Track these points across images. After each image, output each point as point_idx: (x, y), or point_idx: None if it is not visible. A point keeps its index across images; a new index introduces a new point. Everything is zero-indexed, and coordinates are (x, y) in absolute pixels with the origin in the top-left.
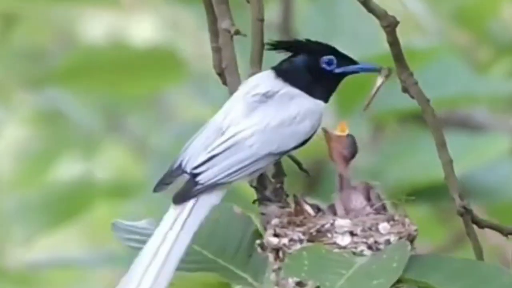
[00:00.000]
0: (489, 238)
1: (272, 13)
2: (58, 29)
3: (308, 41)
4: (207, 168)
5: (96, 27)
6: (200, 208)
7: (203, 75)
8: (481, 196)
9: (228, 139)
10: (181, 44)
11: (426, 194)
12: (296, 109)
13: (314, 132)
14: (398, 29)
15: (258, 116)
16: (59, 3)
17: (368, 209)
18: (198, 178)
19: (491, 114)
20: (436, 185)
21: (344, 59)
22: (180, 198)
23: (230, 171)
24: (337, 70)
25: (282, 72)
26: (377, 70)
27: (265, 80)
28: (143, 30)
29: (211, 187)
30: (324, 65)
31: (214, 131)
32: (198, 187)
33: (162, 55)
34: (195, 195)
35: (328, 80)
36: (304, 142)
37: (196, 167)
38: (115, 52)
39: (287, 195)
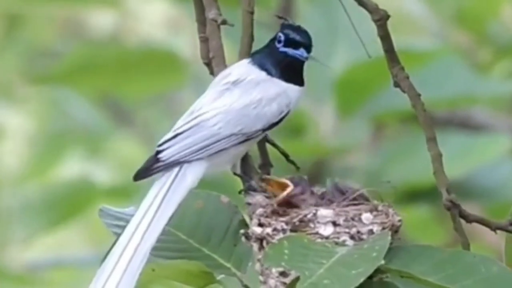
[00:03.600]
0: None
1: (272, 13)
2: (63, 27)
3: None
4: (169, 146)
5: (100, 26)
6: (175, 192)
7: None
8: (481, 196)
9: (193, 119)
10: (183, 42)
11: (427, 194)
12: (260, 94)
13: (284, 116)
14: (389, 24)
15: (223, 100)
16: (62, 2)
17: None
18: (160, 155)
19: (492, 114)
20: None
21: (293, 41)
22: (140, 175)
23: (192, 149)
24: (282, 49)
25: (256, 58)
26: (305, 58)
27: (238, 68)
28: (145, 28)
29: (171, 165)
30: (276, 43)
31: (185, 115)
32: (159, 164)
33: (165, 53)
34: (156, 172)
35: (279, 59)
36: (272, 125)
37: (160, 145)
38: (118, 50)
39: None
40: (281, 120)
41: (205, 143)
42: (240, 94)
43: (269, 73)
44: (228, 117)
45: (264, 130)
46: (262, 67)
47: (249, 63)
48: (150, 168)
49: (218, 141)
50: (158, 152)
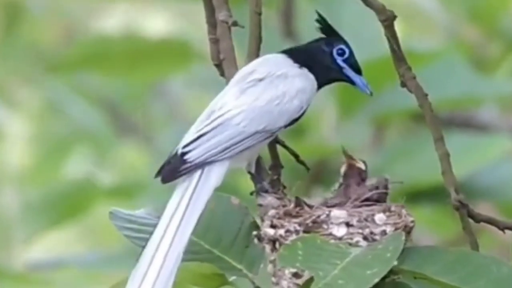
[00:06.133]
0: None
1: (273, 13)
2: (71, 22)
3: (338, 33)
4: (195, 147)
5: (110, 20)
6: (201, 192)
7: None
8: (483, 196)
9: (216, 118)
10: (193, 36)
11: (430, 194)
12: (285, 88)
13: (303, 112)
14: (401, 19)
15: (246, 97)
16: None
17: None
18: (186, 157)
19: (493, 115)
20: (441, 184)
21: (354, 63)
22: (168, 176)
23: (218, 149)
24: (340, 63)
25: (294, 53)
26: (369, 93)
27: (266, 63)
28: (156, 23)
29: (199, 165)
30: (335, 53)
31: (206, 115)
32: (186, 165)
33: (172, 46)
34: (183, 173)
35: (330, 69)
36: (293, 121)
37: (184, 146)
38: (124, 43)
39: (284, 187)
40: (301, 115)
41: (231, 142)
42: (264, 89)
43: (303, 66)
44: (252, 114)
45: (285, 126)
46: (298, 61)
47: (284, 57)
48: (178, 170)
49: (244, 139)
50: (184, 154)
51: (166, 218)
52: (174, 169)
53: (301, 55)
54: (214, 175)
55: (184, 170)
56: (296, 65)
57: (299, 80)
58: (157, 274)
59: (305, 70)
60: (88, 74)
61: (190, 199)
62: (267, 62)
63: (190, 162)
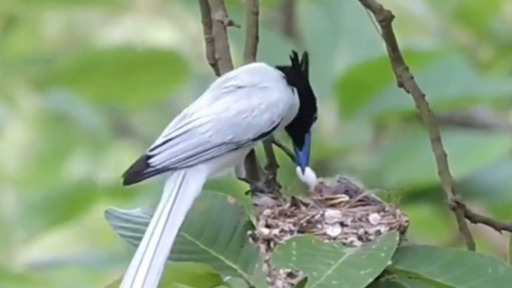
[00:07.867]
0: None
1: (274, 13)
2: (72, 34)
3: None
4: (160, 151)
5: (112, 32)
6: (180, 203)
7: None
8: (482, 196)
9: (185, 125)
10: (193, 47)
11: (428, 194)
12: (258, 101)
13: (275, 127)
14: (394, 24)
15: (217, 106)
16: (67, 6)
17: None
18: (150, 161)
19: (493, 114)
20: (439, 185)
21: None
22: (130, 178)
23: (182, 156)
24: (306, 131)
25: (290, 73)
26: (302, 171)
27: (252, 72)
28: (159, 35)
29: (162, 171)
30: (315, 117)
31: (178, 119)
32: (149, 169)
33: (168, 57)
34: (146, 177)
35: (298, 122)
36: (263, 135)
37: (151, 150)
38: (121, 54)
39: (280, 186)
40: (272, 130)
41: (195, 151)
42: (236, 100)
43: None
44: (219, 125)
45: (254, 139)
46: (289, 82)
47: (279, 73)
48: (141, 173)
49: (210, 149)
50: (149, 157)
51: (149, 231)
52: (137, 172)
53: (296, 78)
54: (193, 185)
55: (146, 175)
56: (284, 81)
57: (278, 93)
58: (146, 274)
59: (290, 89)
60: (82, 89)
61: (170, 211)
62: (254, 71)
63: (153, 166)
